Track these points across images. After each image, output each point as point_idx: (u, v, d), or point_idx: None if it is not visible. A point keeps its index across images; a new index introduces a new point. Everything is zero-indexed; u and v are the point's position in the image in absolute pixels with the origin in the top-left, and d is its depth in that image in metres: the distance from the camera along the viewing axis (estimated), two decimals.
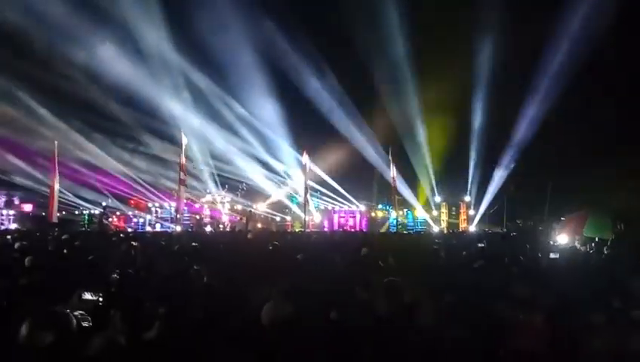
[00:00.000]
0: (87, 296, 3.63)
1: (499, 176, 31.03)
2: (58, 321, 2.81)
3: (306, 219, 28.53)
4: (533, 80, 26.34)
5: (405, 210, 35.09)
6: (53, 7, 23.86)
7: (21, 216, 33.17)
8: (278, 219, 35.85)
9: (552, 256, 9.53)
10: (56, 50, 25.55)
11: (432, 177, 33.25)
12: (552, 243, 16.16)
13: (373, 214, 35.99)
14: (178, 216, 28.54)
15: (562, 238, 15.87)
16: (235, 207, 35.43)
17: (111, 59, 26.81)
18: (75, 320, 2.89)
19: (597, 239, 13.87)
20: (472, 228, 32.63)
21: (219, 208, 34.97)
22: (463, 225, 34.33)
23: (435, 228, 33.23)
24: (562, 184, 24.99)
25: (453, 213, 35.58)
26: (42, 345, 2.67)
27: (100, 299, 3.64)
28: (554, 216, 22.58)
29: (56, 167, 25.89)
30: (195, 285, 5.50)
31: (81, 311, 3.05)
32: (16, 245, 11.67)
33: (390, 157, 28.03)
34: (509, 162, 30.31)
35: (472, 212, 34.05)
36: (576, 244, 14.67)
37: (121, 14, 25.44)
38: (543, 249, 12.41)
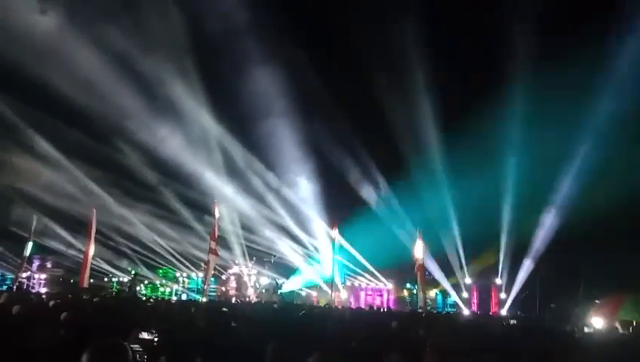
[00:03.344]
0: (144, 335, 3.81)
1: (530, 259, 30.33)
2: (117, 351, 2.97)
3: (333, 294, 28.14)
4: (566, 162, 26.37)
5: (435, 290, 34.32)
6: (98, 81, 25.37)
7: (52, 280, 33.68)
8: (304, 293, 35.46)
9: (586, 329, 9.22)
10: (98, 120, 26.96)
11: (463, 259, 32.71)
12: (586, 327, 15.57)
13: (401, 293, 35.29)
14: (205, 286, 28.60)
15: (597, 322, 15.31)
16: (262, 280, 35.30)
17: (150, 131, 28.09)
18: (131, 353, 3.05)
19: (634, 323, 13.36)
20: (504, 313, 31.53)
21: (245, 280, 34.88)
22: (494, 309, 33.21)
23: (466, 311, 32.22)
24: (596, 267, 24.34)
25: (484, 296, 34.57)
26: None
27: (155, 339, 3.80)
28: (588, 300, 21.83)
29: (92, 234, 26.52)
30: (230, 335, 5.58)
31: (137, 346, 3.21)
32: (51, 303, 11.92)
33: (419, 236, 27.86)
34: (540, 246, 29.71)
35: (503, 295, 33.04)
36: (617, 326, 14.11)
37: (160, 87, 26.94)
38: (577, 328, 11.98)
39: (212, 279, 30.84)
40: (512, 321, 12.09)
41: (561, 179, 26.91)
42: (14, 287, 26.95)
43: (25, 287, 30.36)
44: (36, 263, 34.27)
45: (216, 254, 26.83)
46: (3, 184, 28.33)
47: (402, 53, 25.85)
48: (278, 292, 32.55)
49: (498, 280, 33.35)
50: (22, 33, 23.08)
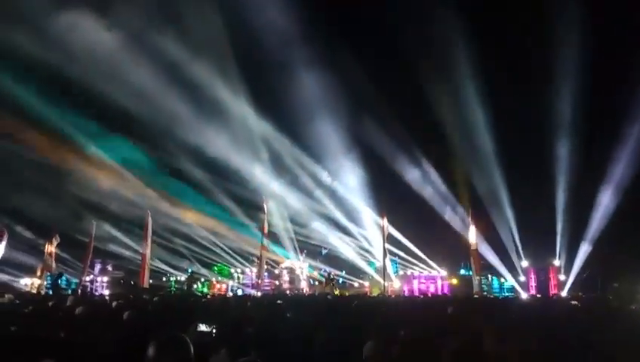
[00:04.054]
0: (203, 328, 3.94)
1: (589, 239, 29.21)
2: (179, 344, 3.08)
3: (385, 284, 28.06)
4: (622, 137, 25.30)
5: (490, 275, 33.62)
6: (150, 88, 26.19)
7: (114, 282, 35.09)
8: (356, 284, 35.49)
9: None
10: (151, 126, 27.84)
11: (518, 240, 31.85)
12: None
13: (455, 280, 34.77)
14: (259, 281, 29.14)
15: None
16: (314, 273, 35.58)
17: (200, 133, 28.77)
18: (192, 345, 3.16)
19: None
20: (564, 294, 30.55)
21: (298, 273, 35.25)
22: (553, 291, 32.23)
23: (524, 294, 31.42)
24: None
25: (542, 278, 33.58)
26: None
27: (214, 331, 3.92)
28: None
29: (149, 236, 27.48)
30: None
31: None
32: (114, 304, 12.44)
33: (471, 220, 27.38)
34: (599, 224, 28.56)
35: (562, 277, 32.00)
36: None
37: (209, 90, 27.51)
38: None
39: (265, 273, 31.38)
40: (573, 302, 11.67)
41: (619, 156, 25.82)
42: (79, 291, 28.30)
43: (89, 290, 31.71)
44: (98, 267, 35.78)
45: (266, 250, 27.32)
46: (63, 192, 29.68)
47: (442, 40, 25.67)
48: (331, 284, 32.68)
49: (556, 262, 32.31)
50: (79, 46, 24.19)
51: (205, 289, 34.64)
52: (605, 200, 27.79)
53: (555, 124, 26.84)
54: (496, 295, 32.74)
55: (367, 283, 35.20)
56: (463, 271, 35.18)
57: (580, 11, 22.63)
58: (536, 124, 27.07)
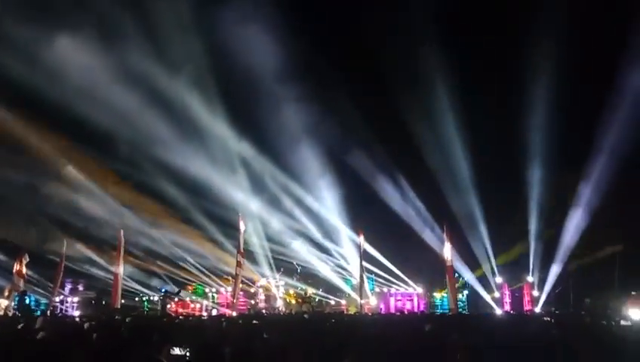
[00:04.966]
0: (176, 350, 3.86)
1: (562, 254, 29.78)
2: None
3: (362, 301, 28.00)
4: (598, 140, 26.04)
5: (465, 291, 33.86)
6: (125, 107, 25.98)
7: (84, 303, 34.19)
8: (332, 302, 35.30)
9: (622, 323, 8.99)
10: (124, 144, 27.55)
11: (492, 257, 32.26)
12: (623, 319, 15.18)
13: (431, 296, 34.90)
14: (234, 300, 28.75)
15: (635, 313, 14.93)
16: (290, 291, 35.28)
17: (174, 149, 28.51)
18: None
19: None
20: (538, 310, 30.94)
21: (274, 292, 34.91)
22: (527, 307, 32.60)
23: (498, 310, 31.71)
24: (630, 258, 23.81)
25: (516, 294, 33.97)
26: None
27: (187, 354, 3.85)
28: (624, 292, 21.33)
29: (121, 255, 27.01)
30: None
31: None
32: (85, 325, 12.13)
33: (446, 237, 27.61)
34: (571, 238, 29.17)
35: (535, 293, 32.43)
36: None
37: (184, 105, 27.43)
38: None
39: (241, 292, 31.01)
40: (546, 318, 11.83)
41: (590, 173, 26.54)
42: (48, 312, 27.52)
43: (59, 311, 30.87)
44: (68, 286, 34.84)
45: (242, 267, 27.06)
46: (34, 210, 29.04)
47: (419, 63, 26.41)
48: (308, 302, 32.50)
49: (530, 278, 32.78)
50: (54, 63, 23.90)
51: (179, 309, 34.01)
52: (576, 219, 28.46)
53: (528, 146, 27.59)
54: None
55: (343, 301, 35.04)
56: (438, 289, 35.34)
57: (560, 39, 23.31)
58: (511, 146, 27.84)
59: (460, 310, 30.83)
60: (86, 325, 12.19)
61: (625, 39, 22.21)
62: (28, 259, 26.37)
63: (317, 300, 34.87)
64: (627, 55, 22.63)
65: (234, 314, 26.04)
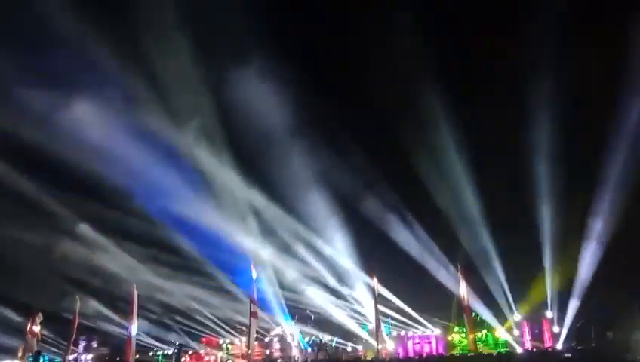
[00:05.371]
0: None
1: (580, 288, 29.25)
2: None
3: (379, 347, 27.47)
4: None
5: (484, 331, 33.14)
6: (130, 156, 26.40)
7: (98, 360, 33.82)
8: (349, 349, 34.64)
9: None
10: (133, 197, 27.86)
11: (509, 294, 31.73)
12: None
13: (450, 338, 34.15)
14: (249, 351, 28.32)
15: None
16: (306, 339, 34.73)
17: (184, 201, 28.72)
18: None
19: None
20: (559, 346, 30.16)
21: (289, 341, 34.39)
22: (548, 344, 31.78)
23: (519, 349, 30.95)
24: None
25: (536, 331, 33.18)
26: None
27: None
28: None
29: (135, 310, 26.81)
30: None
31: None
32: None
33: (460, 275, 27.32)
34: (589, 273, 28.72)
35: (556, 329, 31.68)
36: None
37: (192, 156, 27.78)
38: None
39: (255, 342, 30.56)
40: (567, 355, 11.61)
41: (601, 203, 26.48)
42: None
43: None
44: (82, 344, 34.55)
45: (256, 317, 26.70)
46: (47, 268, 29.13)
47: (428, 106, 26.76)
48: (324, 350, 31.96)
49: (549, 313, 32.05)
50: (62, 123, 24.51)
51: None
52: (592, 248, 28.14)
53: (539, 184, 27.57)
54: (491, 350, 32.17)
55: (360, 347, 34.37)
56: (456, 329, 34.63)
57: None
58: (521, 183, 27.87)
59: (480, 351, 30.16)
60: None
61: None
62: (41, 318, 26.27)
63: (333, 346, 34.26)
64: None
65: None
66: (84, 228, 28.86)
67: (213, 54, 25.68)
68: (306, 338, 34.72)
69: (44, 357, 28.91)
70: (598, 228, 27.01)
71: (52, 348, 30.54)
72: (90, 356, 34.60)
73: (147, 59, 25.13)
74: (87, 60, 24.19)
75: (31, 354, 25.94)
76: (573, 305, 29.76)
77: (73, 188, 27.24)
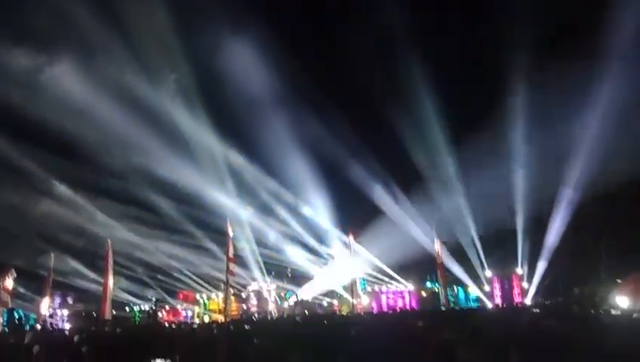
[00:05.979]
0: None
1: (550, 245, 30.02)
2: None
3: (354, 301, 28.01)
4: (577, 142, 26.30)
5: (455, 286, 34.00)
6: (105, 113, 25.83)
7: (74, 316, 33.84)
8: (324, 303, 35.29)
9: (612, 311, 9.09)
10: (110, 156, 27.38)
11: (481, 251, 32.46)
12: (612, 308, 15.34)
13: (423, 293, 35.00)
14: (226, 306, 28.55)
15: (622, 301, 15.09)
16: (282, 294, 35.24)
17: (161, 160, 28.37)
18: None
19: None
20: (528, 302, 31.17)
21: (265, 296, 34.83)
22: (517, 299, 32.81)
23: (489, 304, 31.91)
24: (616, 246, 24.09)
25: (506, 287, 34.14)
26: None
27: None
28: (611, 280, 21.56)
29: (110, 266, 26.64)
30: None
31: None
32: (75, 338, 11.99)
33: (435, 235, 27.75)
34: (557, 230, 29.41)
35: (525, 284, 32.65)
36: None
37: (170, 115, 27.28)
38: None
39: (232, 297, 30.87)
40: (536, 310, 11.94)
41: (574, 159, 26.84)
42: (37, 326, 27.16)
43: (49, 325, 30.48)
44: (58, 300, 34.45)
45: (232, 274, 26.80)
46: (21, 225, 28.71)
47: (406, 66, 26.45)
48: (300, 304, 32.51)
49: (519, 270, 32.95)
50: (40, 81, 23.80)
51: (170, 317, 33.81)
52: (562, 206, 28.74)
53: (514, 150, 28.26)
54: (462, 306, 33.10)
55: (336, 302, 35.06)
56: (429, 284, 35.48)
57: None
58: (498, 149, 28.10)
59: (452, 305, 31.02)
60: (76, 338, 12.07)
61: None
62: (15, 275, 25.96)
63: (309, 301, 34.86)
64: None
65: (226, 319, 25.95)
66: (59, 187, 28.37)
67: (192, 12, 25.02)
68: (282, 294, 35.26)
69: (18, 312, 28.78)
70: (568, 194, 27.56)
71: (26, 303, 30.40)
72: (66, 312, 34.57)
73: (124, 16, 24.36)
74: (62, 18, 23.36)
75: (5, 310, 25.77)
76: (542, 262, 30.65)
77: (48, 146, 26.62)
